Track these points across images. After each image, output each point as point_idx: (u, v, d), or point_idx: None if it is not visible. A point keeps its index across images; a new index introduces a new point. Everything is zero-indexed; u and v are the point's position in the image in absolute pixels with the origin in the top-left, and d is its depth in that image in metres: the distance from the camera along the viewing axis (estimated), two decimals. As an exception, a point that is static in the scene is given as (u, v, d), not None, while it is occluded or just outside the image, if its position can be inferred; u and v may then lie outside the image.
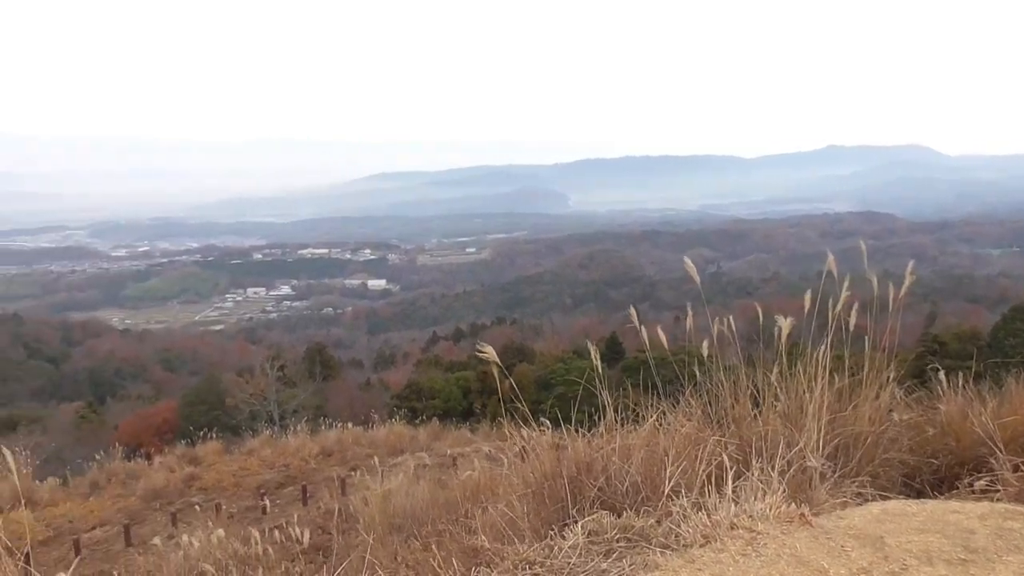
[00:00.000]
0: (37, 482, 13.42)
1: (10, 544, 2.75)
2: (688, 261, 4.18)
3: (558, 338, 61.26)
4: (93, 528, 10.87)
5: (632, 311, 4.18)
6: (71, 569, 3.03)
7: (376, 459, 7.31)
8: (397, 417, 18.59)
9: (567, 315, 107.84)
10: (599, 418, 3.84)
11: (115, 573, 7.61)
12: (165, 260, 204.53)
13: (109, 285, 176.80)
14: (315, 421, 19.02)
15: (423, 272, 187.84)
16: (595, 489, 3.34)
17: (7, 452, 2.72)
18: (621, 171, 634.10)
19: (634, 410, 3.85)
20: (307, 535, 6.23)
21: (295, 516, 7.96)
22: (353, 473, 11.27)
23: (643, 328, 4.10)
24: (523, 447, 4.08)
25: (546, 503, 3.50)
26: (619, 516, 2.95)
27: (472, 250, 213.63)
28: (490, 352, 3.53)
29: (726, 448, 3.43)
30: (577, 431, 3.68)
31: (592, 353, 3.71)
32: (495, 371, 3.62)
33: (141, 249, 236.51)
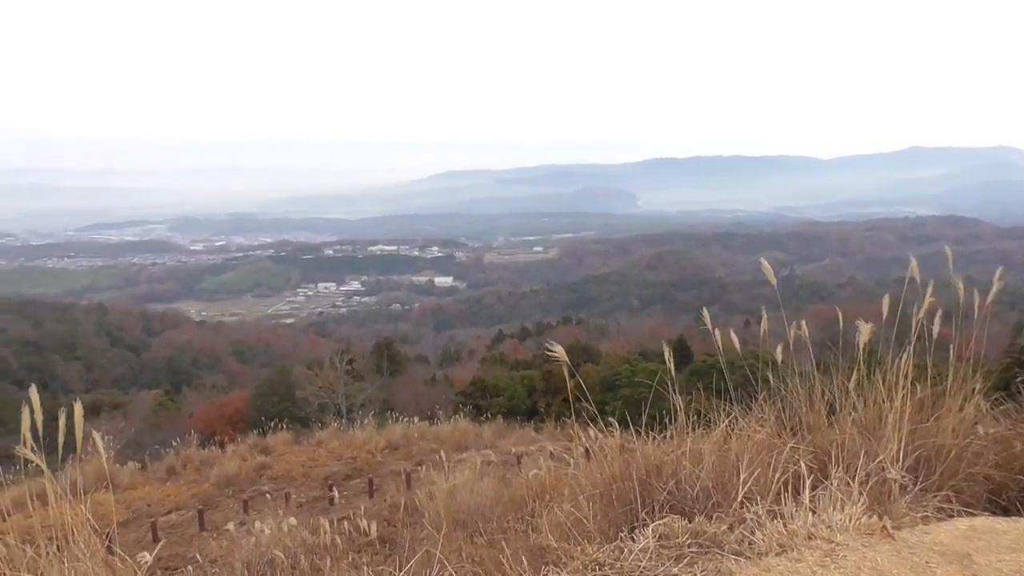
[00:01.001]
0: (118, 465, 13.96)
1: (96, 525, 2.87)
2: (765, 263, 4.09)
3: (624, 339, 60.79)
4: (169, 512, 11.24)
5: (705, 313, 4.11)
6: (155, 552, 3.14)
7: (442, 454, 7.37)
8: (462, 414, 18.72)
9: (634, 316, 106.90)
10: (667, 421, 3.79)
11: (191, 555, 7.87)
12: (240, 254, 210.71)
13: (187, 278, 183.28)
14: (381, 415, 19.29)
15: (490, 270, 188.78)
16: (664, 493, 3.29)
17: (97, 436, 2.84)
18: (691, 171, 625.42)
19: (704, 414, 3.79)
20: (374, 527, 6.32)
21: (362, 508, 8.09)
22: (418, 467, 11.40)
23: (716, 331, 4.03)
24: (589, 448, 4.05)
25: (614, 505, 3.46)
26: (690, 521, 2.90)
27: (539, 249, 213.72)
28: (560, 351, 3.52)
29: (803, 456, 3.34)
30: (646, 433, 3.64)
31: (666, 355, 3.66)
32: (561, 370, 3.60)
33: (218, 243, 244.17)
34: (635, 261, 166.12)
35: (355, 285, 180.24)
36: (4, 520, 3.11)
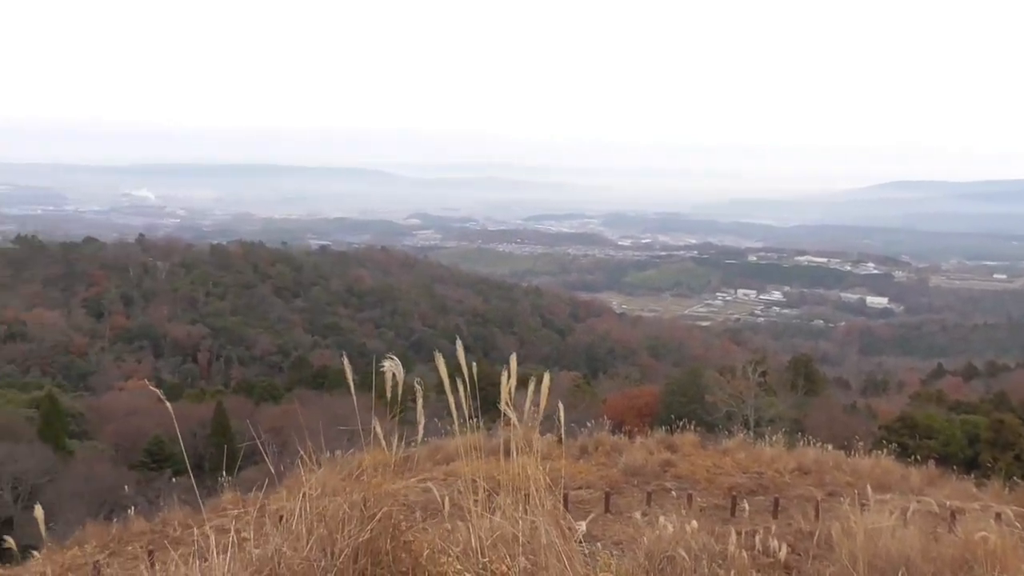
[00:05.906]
0: (537, 435, 15.40)
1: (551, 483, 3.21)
2: None
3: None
4: (579, 488, 12.04)
5: None
6: (589, 519, 3.38)
7: (868, 489, 6.74)
8: (885, 450, 16.98)
9: None
10: None
11: (595, 533, 8.38)
12: (664, 253, 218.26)
13: (613, 271, 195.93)
14: (791, 434, 18.42)
15: (935, 295, 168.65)
16: None
17: (561, 407, 3.17)
18: None
19: None
20: (784, 550, 6.04)
21: (772, 528, 7.80)
22: (831, 498, 10.63)
23: None
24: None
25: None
26: None
27: (1001, 276, 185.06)
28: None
29: None
30: None
31: None
32: (1016, 422, 3.02)
33: (644, 240, 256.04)
34: None
35: (776, 295, 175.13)
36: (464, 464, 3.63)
